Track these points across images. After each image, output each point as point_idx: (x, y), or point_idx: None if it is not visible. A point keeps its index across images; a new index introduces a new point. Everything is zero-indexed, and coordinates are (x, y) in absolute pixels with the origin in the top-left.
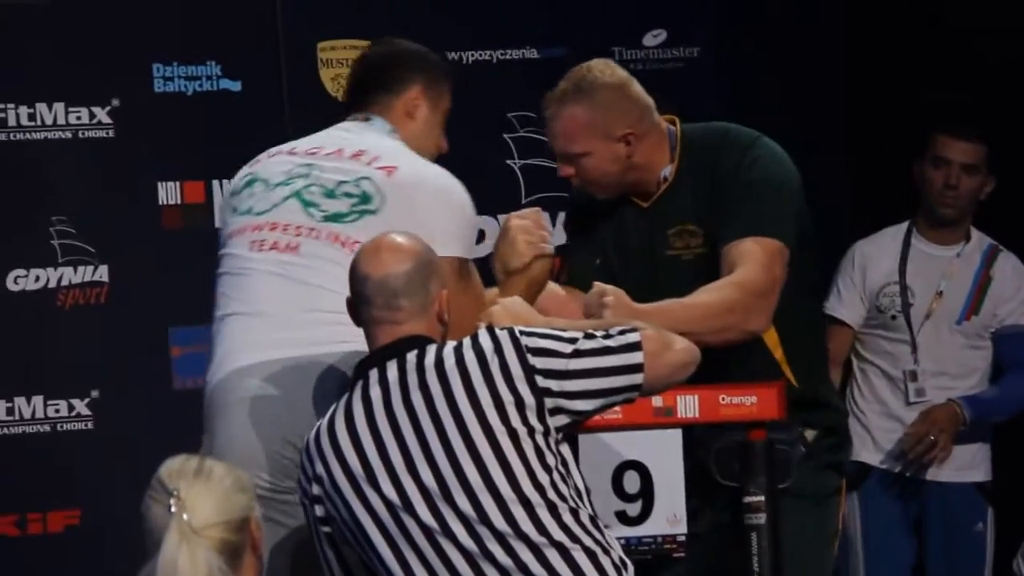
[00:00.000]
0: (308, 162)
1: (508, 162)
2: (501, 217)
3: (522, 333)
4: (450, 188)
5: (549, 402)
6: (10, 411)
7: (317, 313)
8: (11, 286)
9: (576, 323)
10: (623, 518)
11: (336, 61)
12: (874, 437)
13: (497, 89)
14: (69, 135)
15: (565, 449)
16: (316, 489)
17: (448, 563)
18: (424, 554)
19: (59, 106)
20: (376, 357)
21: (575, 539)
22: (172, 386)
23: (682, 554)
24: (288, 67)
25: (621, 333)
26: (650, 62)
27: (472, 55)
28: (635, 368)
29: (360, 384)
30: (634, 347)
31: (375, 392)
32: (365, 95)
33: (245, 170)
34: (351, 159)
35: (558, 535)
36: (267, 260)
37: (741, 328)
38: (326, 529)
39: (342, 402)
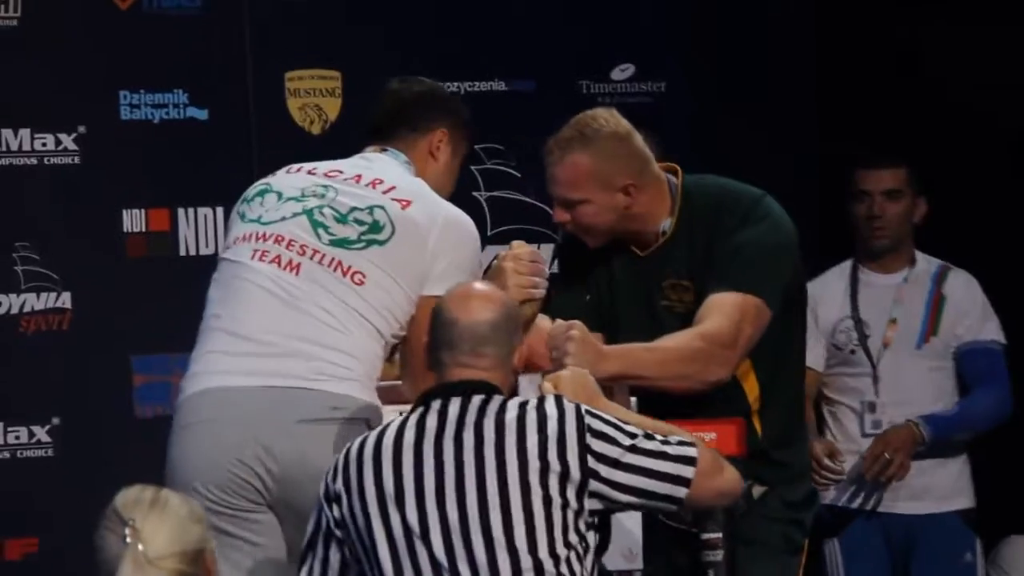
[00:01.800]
0: (326, 183)
1: (475, 194)
2: None
3: (588, 413)
4: (463, 226)
5: (593, 484)
6: None
7: (302, 344)
8: None
9: (641, 418)
10: None
11: (304, 91)
12: (849, 477)
13: None
14: (34, 161)
15: (592, 537)
16: (341, 489)
17: None
18: None
19: (25, 132)
20: (443, 390)
21: None
22: (133, 414)
23: None
24: (256, 96)
25: (680, 444)
26: (617, 96)
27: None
28: (683, 481)
29: (419, 411)
30: (690, 461)
31: (431, 421)
32: (390, 129)
33: (261, 180)
34: (368, 187)
35: None
36: (265, 273)
37: (699, 378)
38: (338, 532)
39: (397, 421)
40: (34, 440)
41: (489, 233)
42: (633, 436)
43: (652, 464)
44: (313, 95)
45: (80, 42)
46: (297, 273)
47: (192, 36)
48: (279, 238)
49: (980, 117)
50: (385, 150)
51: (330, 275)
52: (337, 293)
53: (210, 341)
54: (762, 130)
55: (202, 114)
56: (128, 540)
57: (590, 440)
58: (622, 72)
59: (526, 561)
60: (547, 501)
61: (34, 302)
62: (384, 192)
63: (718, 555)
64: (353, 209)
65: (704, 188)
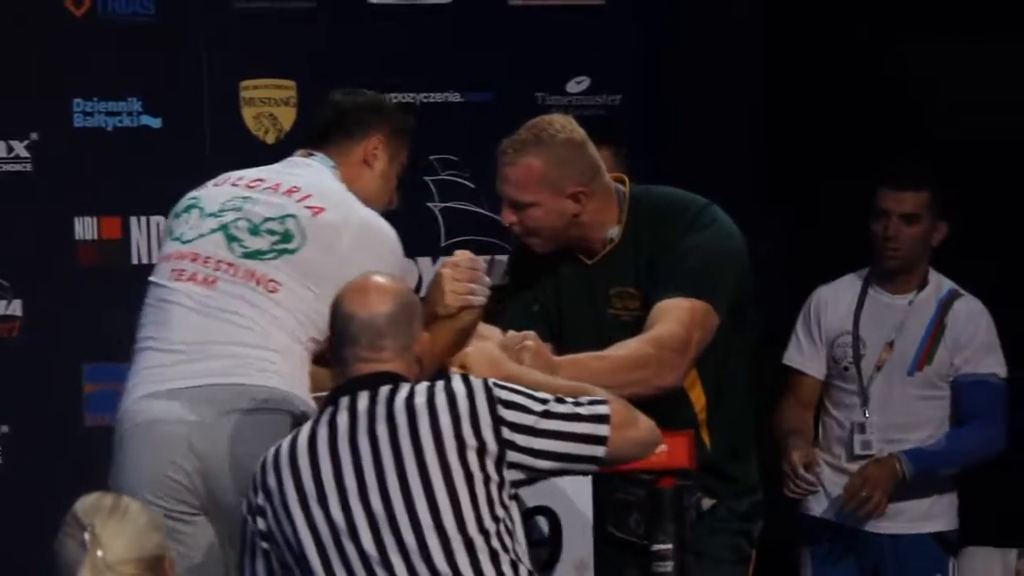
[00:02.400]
0: (245, 195)
1: (429, 204)
2: (420, 260)
3: (496, 385)
4: (377, 230)
5: (511, 455)
6: None
7: (220, 346)
8: None
9: (549, 381)
10: (531, 563)
11: (259, 100)
12: (826, 490)
13: (419, 132)
14: None
15: (514, 509)
16: (262, 501)
17: None
18: None
19: None
20: (349, 387)
21: None
22: (84, 423)
23: None
24: (210, 105)
25: (592, 403)
26: (573, 108)
27: (397, 96)
28: (599, 440)
29: (329, 410)
30: (603, 419)
31: (342, 419)
32: (325, 136)
33: (191, 193)
34: (284, 195)
35: None
36: (184, 292)
37: (651, 383)
38: (263, 544)
39: (308, 424)
40: None
41: (443, 244)
42: (544, 402)
43: (567, 427)
44: (268, 104)
45: (34, 49)
46: (213, 286)
47: (146, 44)
48: (195, 256)
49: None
50: (312, 154)
51: (244, 286)
52: (252, 301)
53: (141, 360)
54: (715, 142)
55: (156, 122)
56: (87, 546)
57: (502, 411)
58: (578, 84)
59: (456, 539)
60: (468, 477)
61: None
62: (299, 200)
63: (668, 566)
64: (266, 220)
65: (650, 197)
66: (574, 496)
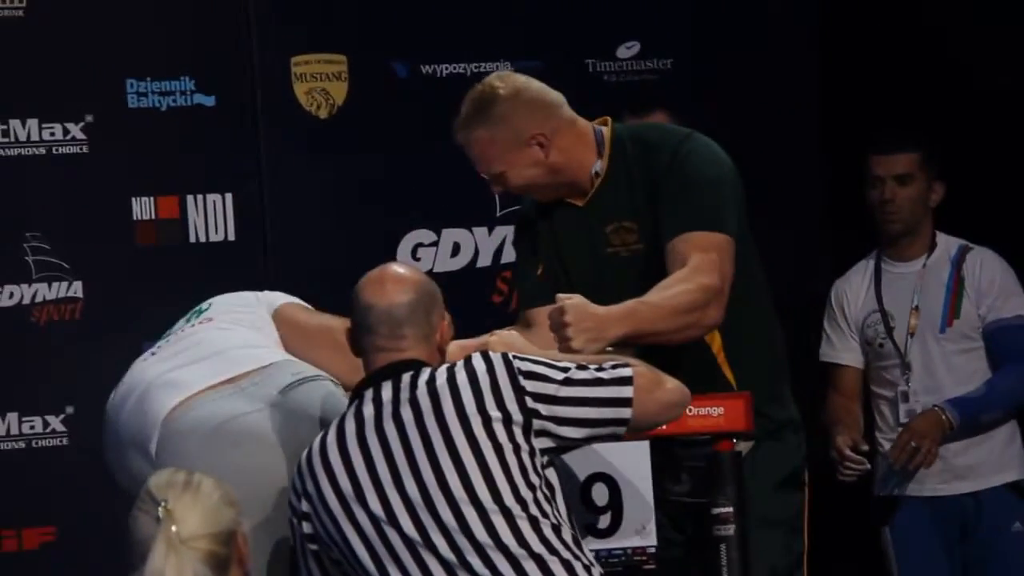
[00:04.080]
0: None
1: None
2: (476, 230)
3: (515, 357)
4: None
5: (536, 423)
6: None
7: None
8: None
9: (571, 356)
10: (592, 530)
11: (310, 75)
12: (892, 469)
13: None
14: (43, 151)
15: (552, 475)
16: (305, 506)
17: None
18: (406, 568)
19: (32, 122)
20: (372, 378)
21: (553, 551)
22: None
23: (652, 566)
24: (262, 82)
25: (614, 367)
26: (624, 74)
27: (447, 68)
28: (624, 402)
29: (355, 404)
30: (625, 381)
31: (367, 410)
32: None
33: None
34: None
35: (537, 547)
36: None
37: (701, 324)
38: (312, 547)
39: (336, 421)
40: (49, 430)
41: (499, 213)
42: (565, 370)
43: (589, 392)
44: (319, 79)
45: (86, 31)
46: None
47: (198, 23)
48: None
49: (998, 97)
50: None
51: (187, 332)
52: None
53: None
54: (767, 106)
55: (209, 101)
56: (161, 521)
57: (523, 382)
58: (628, 50)
59: (494, 510)
60: (498, 449)
61: (45, 292)
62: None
63: (729, 529)
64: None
65: (632, 129)
66: (633, 461)
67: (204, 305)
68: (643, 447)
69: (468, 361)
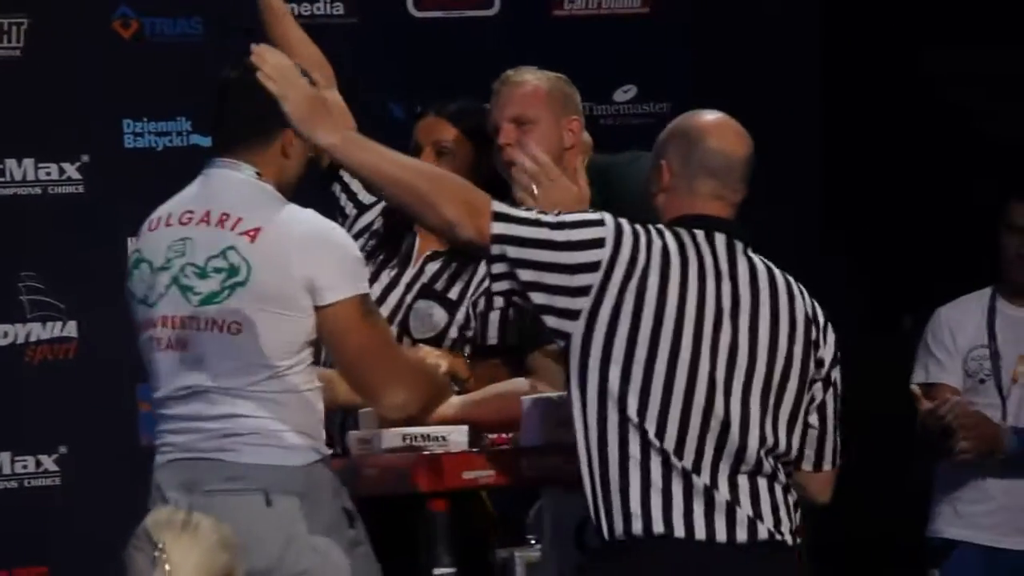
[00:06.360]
0: (183, 235)
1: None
2: None
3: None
4: (321, 232)
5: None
6: None
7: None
8: None
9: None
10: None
11: None
12: (957, 509)
13: None
14: (39, 191)
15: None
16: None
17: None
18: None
19: (29, 162)
20: (707, 221)
21: None
22: (139, 442)
23: None
24: None
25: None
26: (620, 117)
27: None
28: None
29: (671, 235)
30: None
31: (690, 252)
32: (235, 139)
33: (134, 245)
34: (217, 226)
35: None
36: (167, 361)
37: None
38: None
39: (657, 242)
40: (41, 469)
41: None
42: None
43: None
44: None
45: (83, 72)
46: (186, 349)
47: (194, 63)
48: (164, 320)
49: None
50: (236, 165)
51: (211, 337)
52: (225, 352)
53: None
54: (767, 150)
55: (206, 141)
56: (156, 563)
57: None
58: (625, 93)
59: (771, 436)
60: (803, 370)
61: (40, 332)
62: (232, 228)
63: None
64: (210, 258)
65: (606, 156)
66: None
67: (242, 276)
68: None
69: (784, 274)
